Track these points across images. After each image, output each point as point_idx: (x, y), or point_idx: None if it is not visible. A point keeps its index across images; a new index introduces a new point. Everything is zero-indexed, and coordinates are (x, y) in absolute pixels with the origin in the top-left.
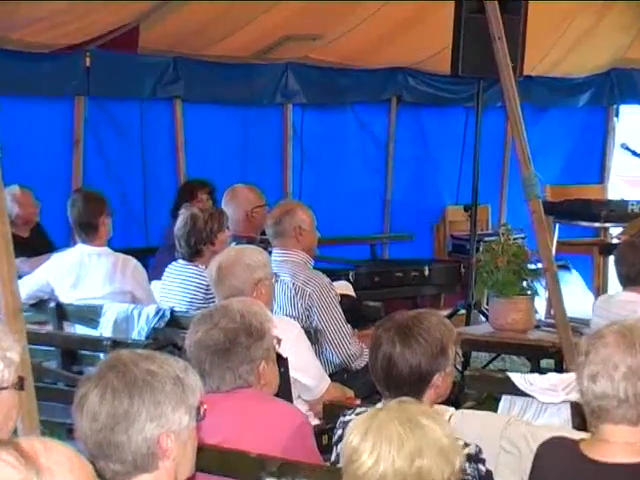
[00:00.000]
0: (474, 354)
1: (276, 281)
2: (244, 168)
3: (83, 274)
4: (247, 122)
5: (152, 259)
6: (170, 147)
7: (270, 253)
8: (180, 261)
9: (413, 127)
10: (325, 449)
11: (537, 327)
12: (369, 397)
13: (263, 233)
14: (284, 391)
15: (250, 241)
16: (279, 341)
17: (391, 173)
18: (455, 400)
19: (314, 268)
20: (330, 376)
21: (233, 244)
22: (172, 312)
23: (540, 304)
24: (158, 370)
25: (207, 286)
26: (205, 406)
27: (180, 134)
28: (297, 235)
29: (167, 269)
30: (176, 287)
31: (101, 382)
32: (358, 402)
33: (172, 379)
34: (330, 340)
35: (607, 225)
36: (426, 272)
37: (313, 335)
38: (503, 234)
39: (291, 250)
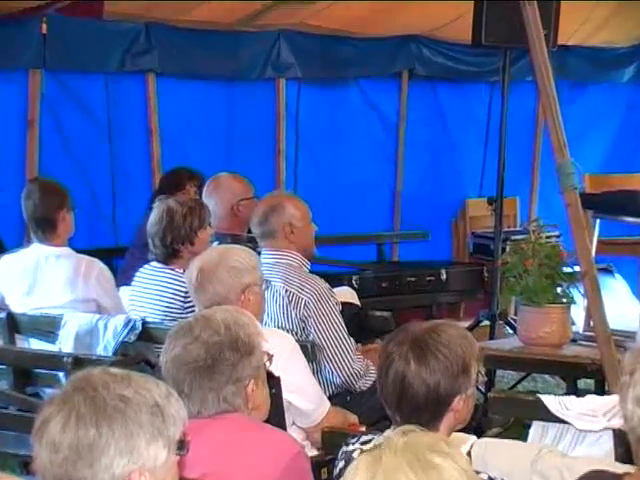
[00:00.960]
0: (499, 373)
1: (267, 288)
2: (229, 154)
3: (39, 279)
4: (232, 100)
5: (121, 261)
6: (142, 129)
7: (259, 254)
8: (154, 263)
9: (428, 106)
10: None
11: (574, 341)
12: (376, 423)
13: (251, 230)
14: (276, 416)
15: (236, 240)
16: (270, 357)
17: (402, 160)
18: (477, 427)
19: (311, 272)
20: (330, 398)
21: (216, 243)
22: (144, 323)
23: (577, 314)
24: (133, 396)
25: (185, 293)
26: (189, 438)
27: (154, 114)
28: (288, 234)
29: (138, 273)
30: (149, 294)
31: (65, 406)
32: (363, 429)
33: (149, 407)
34: (330, 356)
35: None
36: (443, 276)
37: (310, 350)
38: (534, 232)
39: (283, 251)
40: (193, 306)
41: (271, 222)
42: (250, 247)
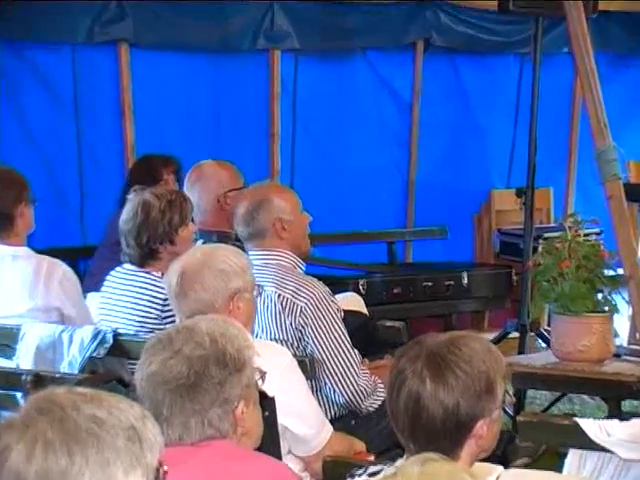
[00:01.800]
0: (530, 393)
1: (259, 294)
2: (215, 139)
3: None
4: (219, 75)
5: (89, 263)
6: (114, 109)
7: (247, 254)
8: (127, 266)
9: (447, 82)
10: None
11: (617, 356)
12: (386, 452)
13: None
14: (270, 443)
15: (223, 238)
16: (263, 375)
17: (416, 144)
18: (504, 455)
19: (307, 274)
20: (332, 422)
21: (200, 242)
22: (116, 335)
23: (621, 324)
24: (107, 417)
25: (164, 300)
26: (166, 467)
27: (127, 92)
28: (279, 231)
29: (109, 277)
30: (122, 301)
31: (29, 432)
32: (371, 458)
33: (125, 430)
34: (331, 371)
35: None
36: (464, 281)
37: (309, 366)
38: (570, 228)
39: (273, 250)
40: (173, 315)
41: (259, 220)
42: (239, 246)
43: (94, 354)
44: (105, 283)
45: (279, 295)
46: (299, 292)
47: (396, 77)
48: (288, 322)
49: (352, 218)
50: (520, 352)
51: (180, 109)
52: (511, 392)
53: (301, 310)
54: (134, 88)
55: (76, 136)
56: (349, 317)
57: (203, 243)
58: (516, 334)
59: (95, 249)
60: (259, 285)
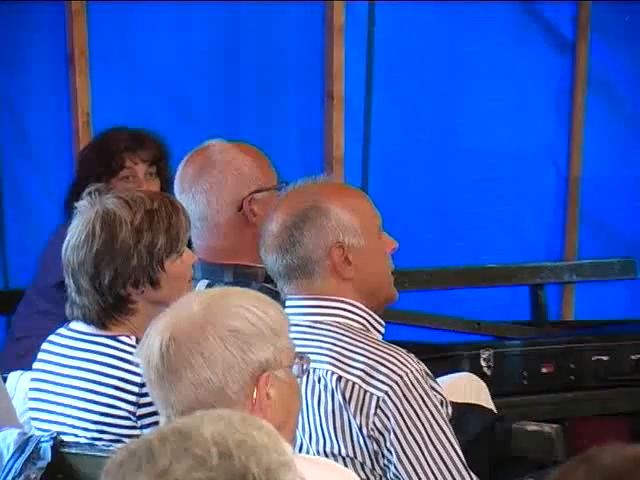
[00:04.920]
0: None
1: (304, 372)
2: (233, 106)
3: None
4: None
5: (11, 320)
6: (58, 63)
7: (283, 304)
8: (77, 325)
9: (618, 24)
10: None
11: None
12: None
13: None
14: None
15: (243, 277)
16: None
17: (581, 119)
18: None
19: (388, 340)
20: None
21: (202, 284)
22: (58, 446)
23: None
24: None
25: (140, 385)
26: None
27: (80, 34)
28: (340, 265)
29: (46, 345)
30: (68, 387)
31: None
32: None
33: None
34: None
35: None
36: None
37: None
38: None
39: (330, 298)
40: (154, 413)
41: (304, 245)
42: (271, 291)
43: (22, 476)
44: (39, 356)
45: (339, 378)
46: (375, 373)
47: (545, 12)
48: (356, 425)
49: (467, 244)
50: None
51: (172, 56)
52: None
53: (378, 405)
54: (91, 44)
55: None
56: (463, 416)
57: (209, 285)
58: None
59: (20, 297)
60: (303, 355)
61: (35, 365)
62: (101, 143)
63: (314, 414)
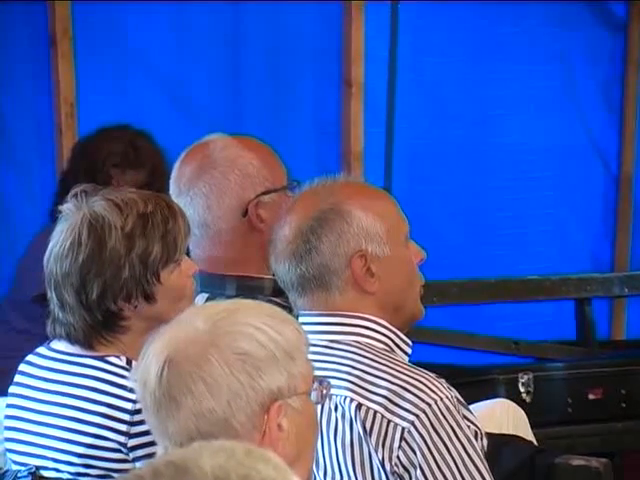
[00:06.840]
0: None
1: (324, 398)
2: (240, 96)
3: None
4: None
5: None
6: (40, 55)
7: (297, 318)
8: (60, 345)
9: None
10: None
11: None
12: None
13: None
14: None
15: (250, 289)
16: None
17: (633, 112)
18: None
19: (414, 362)
20: None
21: (201, 297)
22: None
23: None
24: None
25: (133, 412)
26: None
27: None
28: (361, 277)
29: (24, 366)
30: (49, 416)
31: None
32: None
33: None
34: None
35: None
36: None
37: None
38: None
39: (349, 315)
40: (151, 443)
41: (321, 252)
42: (278, 306)
43: None
44: (16, 379)
45: (359, 406)
46: (399, 401)
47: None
48: (377, 460)
49: (503, 252)
50: None
51: (170, 43)
52: None
53: (403, 437)
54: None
55: None
56: (500, 449)
57: (209, 299)
58: None
59: None
60: (323, 380)
61: (11, 389)
62: (88, 154)
63: (330, 447)
